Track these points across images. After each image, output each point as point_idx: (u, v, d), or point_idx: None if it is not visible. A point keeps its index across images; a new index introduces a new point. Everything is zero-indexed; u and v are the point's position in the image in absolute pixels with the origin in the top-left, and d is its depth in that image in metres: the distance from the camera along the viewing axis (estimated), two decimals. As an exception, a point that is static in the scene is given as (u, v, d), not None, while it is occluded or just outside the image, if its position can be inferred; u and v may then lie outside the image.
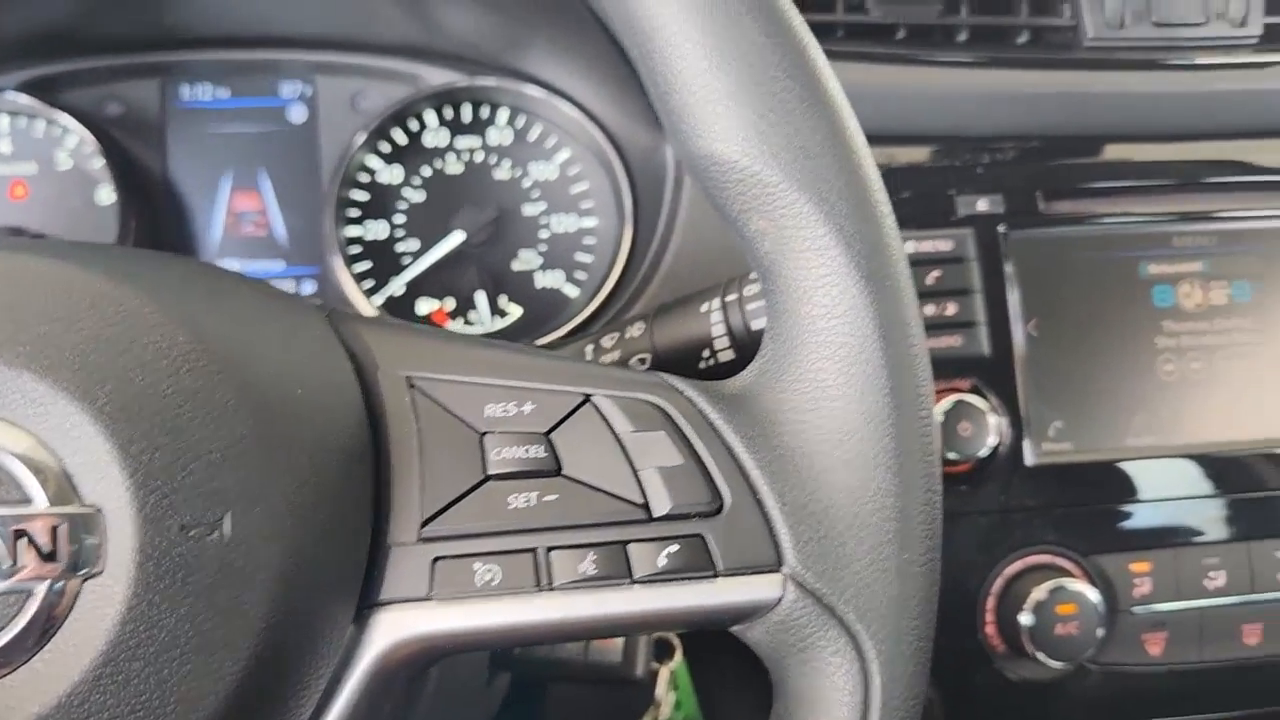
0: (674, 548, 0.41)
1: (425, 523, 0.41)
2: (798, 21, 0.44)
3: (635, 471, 0.42)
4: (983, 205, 0.74)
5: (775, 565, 0.41)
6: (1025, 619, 0.69)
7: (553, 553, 0.41)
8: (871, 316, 0.42)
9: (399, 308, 0.84)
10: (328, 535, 0.39)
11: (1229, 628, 0.74)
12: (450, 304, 0.84)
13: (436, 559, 0.41)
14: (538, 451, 0.42)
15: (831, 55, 0.74)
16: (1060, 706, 0.74)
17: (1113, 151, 0.77)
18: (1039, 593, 0.69)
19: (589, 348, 0.64)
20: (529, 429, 0.43)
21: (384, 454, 0.42)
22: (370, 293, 0.84)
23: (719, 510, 0.42)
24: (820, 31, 0.77)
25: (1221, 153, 0.78)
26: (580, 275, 0.85)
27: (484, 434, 0.43)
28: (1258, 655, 0.74)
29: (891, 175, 0.74)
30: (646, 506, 0.42)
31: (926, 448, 0.42)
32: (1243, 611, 0.74)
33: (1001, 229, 0.74)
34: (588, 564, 0.41)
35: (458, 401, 0.43)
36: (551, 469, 0.42)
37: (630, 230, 0.82)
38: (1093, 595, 0.70)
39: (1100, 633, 0.70)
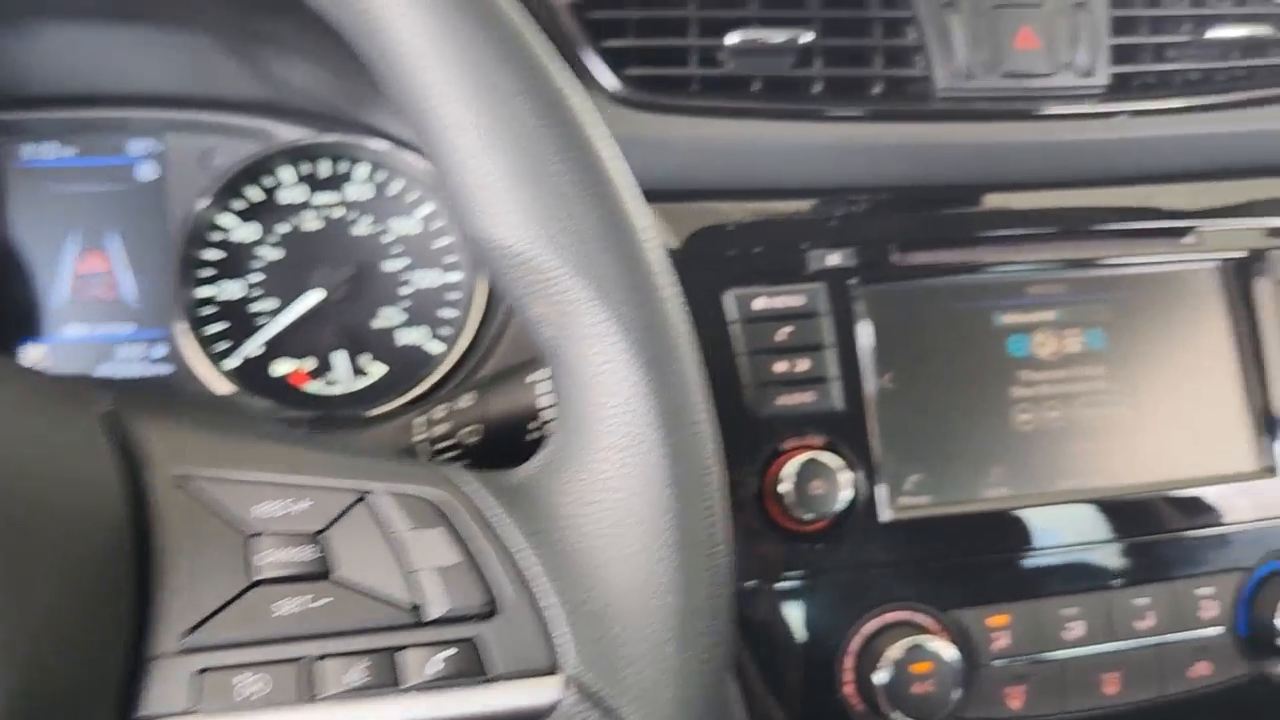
0: (448, 652, 0.40)
1: (188, 632, 0.39)
2: (575, 101, 0.43)
3: (411, 572, 0.41)
4: (834, 259, 0.73)
5: (553, 667, 0.40)
6: (880, 678, 0.68)
7: (321, 661, 0.39)
8: (651, 405, 0.41)
9: (256, 368, 0.82)
10: (75, 648, 0.37)
11: (1089, 678, 0.73)
12: (310, 364, 0.82)
13: (202, 670, 0.39)
14: (307, 554, 0.41)
15: (685, 110, 0.75)
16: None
17: (966, 202, 0.77)
18: (894, 651, 0.68)
19: (419, 420, 0.63)
20: (299, 529, 0.41)
21: (148, 559, 0.40)
22: (225, 354, 0.82)
23: (493, 612, 0.40)
24: (674, 85, 0.77)
25: (1072, 201, 0.78)
26: (445, 331, 0.84)
27: (252, 535, 0.41)
28: (1118, 704, 0.74)
29: (743, 230, 0.74)
30: (418, 609, 0.40)
31: (711, 540, 0.41)
32: (1103, 661, 0.73)
33: (853, 282, 0.73)
34: (357, 673, 0.39)
35: (229, 500, 0.42)
36: (320, 572, 0.40)
37: (485, 284, 0.80)
38: (949, 652, 0.69)
39: (957, 690, 0.69)
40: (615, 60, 0.73)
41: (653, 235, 0.44)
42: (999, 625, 0.72)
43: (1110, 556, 0.75)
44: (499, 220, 0.41)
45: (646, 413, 0.41)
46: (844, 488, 0.69)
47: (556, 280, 0.41)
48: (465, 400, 0.62)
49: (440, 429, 0.61)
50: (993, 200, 0.77)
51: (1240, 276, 0.79)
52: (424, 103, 0.42)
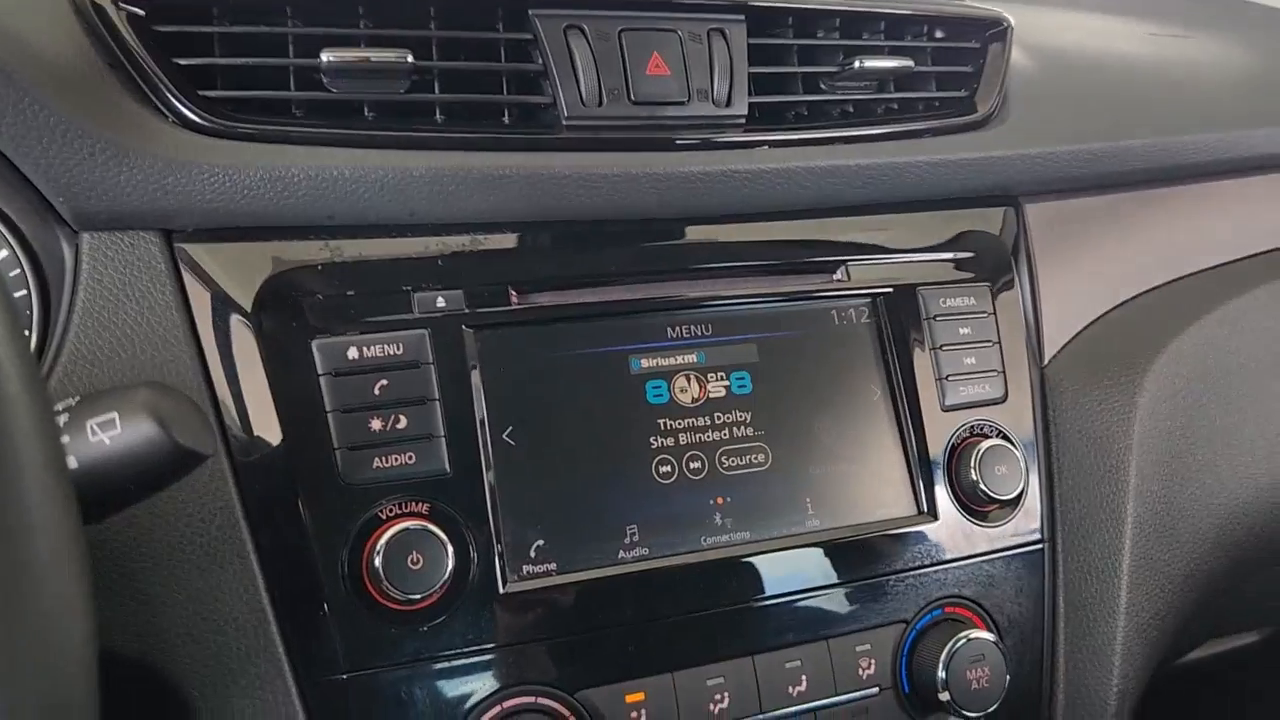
0: None
1: None
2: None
3: None
4: (442, 302, 0.66)
5: None
6: (496, 772, 0.60)
7: None
8: None
9: None
10: None
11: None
12: None
13: None
14: None
15: (271, 137, 0.65)
16: None
17: (595, 239, 0.71)
18: (512, 737, 0.60)
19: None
20: None
21: None
22: None
23: None
24: (275, 108, 0.68)
25: (714, 236, 0.74)
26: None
27: None
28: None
29: (335, 270, 0.65)
30: None
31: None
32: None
33: (466, 328, 0.66)
34: None
35: None
36: None
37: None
38: (570, 734, 0.61)
39: (581, 783, 0.61)
40: (197, 80, 0.64)
41: None
42: (636, 702, 0.65)
43: (758, 617, 0.69)
44: None
45: None
46: (449, 560, 0.61)
47: None
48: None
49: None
50: (627, 236, 0.72)
51: (890, 312, 0.76)
52: None
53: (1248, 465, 0.85)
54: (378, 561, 0.60)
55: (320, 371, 0.63)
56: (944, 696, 0.70)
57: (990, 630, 0.73)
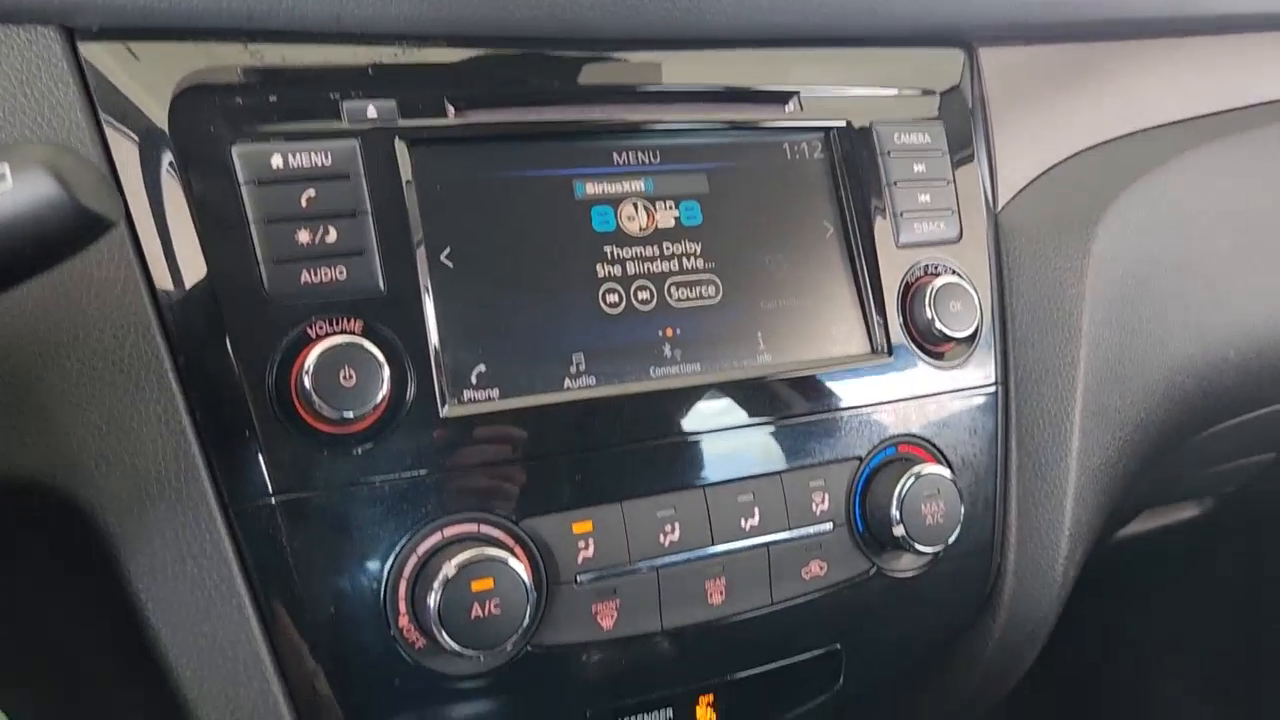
0: None
1: None
2: None
3: None
4: (373, 112, 0.61)
5: None
6: (431, 602, 0.57)
7: None
8: None
9: None
10: None
11: (690, 587, 0.65)
12: None
13: None
14: None
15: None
16: (506, 703, 0.63)
17: (538, 55, 0.67)
18: (447, 569, 0.57)
19: None
20: None
21: None
22: None
23: None
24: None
25: (665, 61, 0.70)
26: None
27: None
28: (725, 614, 0.66)
29: (258, 75, 0.60)
30: None
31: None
32: (705, 567, 0.65)
33: (400, 140, 0.62)
34: None
35: None
36: None
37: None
38: (515, 565, 0.58)
39: (529, 611, 0.59)
40: None
41: None
42: (583, 532, 0.63)
43: (709, 449, 0.66)
44: None
45: None
46: (384, 382, 0.57)
47: None
48: None
49: None
50: (573, 55, 0.68)
51: (844, 147, 0.74)
52: None
53: (1196, 319, 0.85)
54: (307, 381, 0.56)
55: (242, 180, 0.58)
56: (898, 531, 0.69)
57: (944, 467, 0.72)
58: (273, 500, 0.57)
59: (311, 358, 0.57)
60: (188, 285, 0.58)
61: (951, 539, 0.71)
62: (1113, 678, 1.49)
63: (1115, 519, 1.01)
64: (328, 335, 0.58)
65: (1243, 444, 1.08)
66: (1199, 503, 1.22)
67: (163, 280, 0.58)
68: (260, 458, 0.57)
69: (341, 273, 0.59)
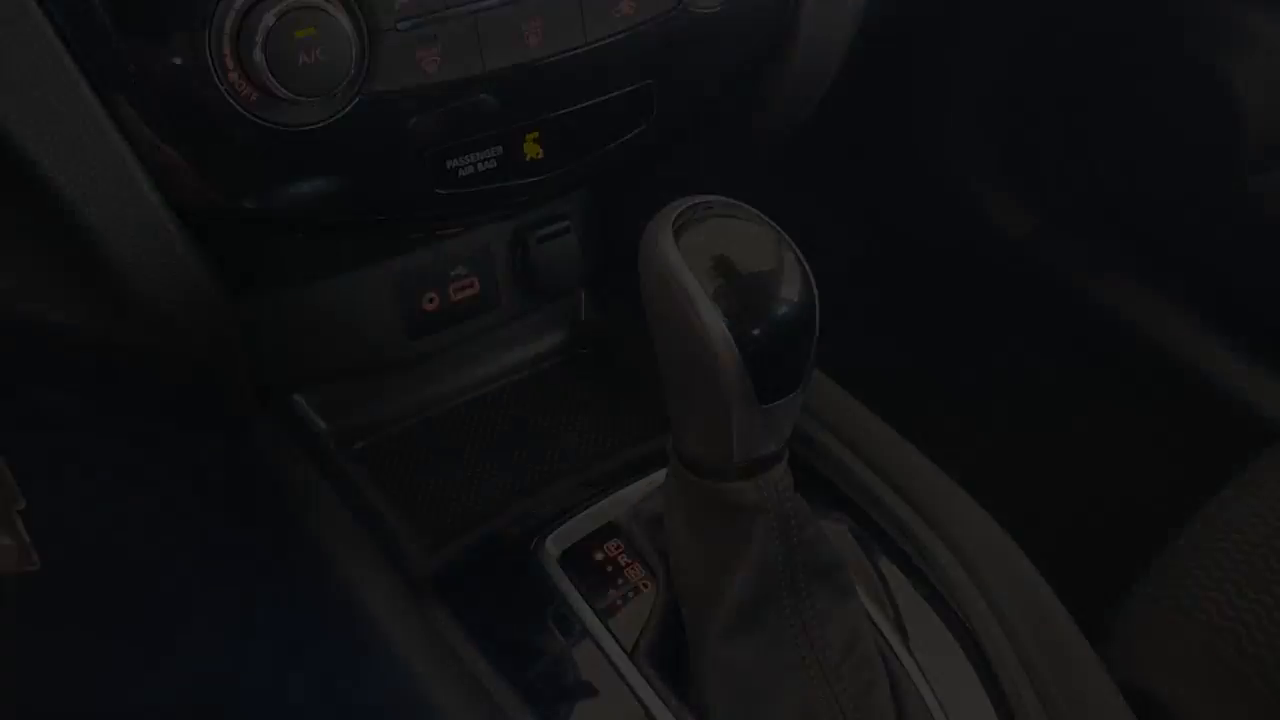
0: None
1: None
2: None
3: None
4: None
5: None
6: (256, 56, 0.60)
7: None
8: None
9: None
10: None
11: (507, 30, 0.69)
12: None
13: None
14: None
15: None
16: (346, 150, 0.68)
17: None
18: (267, 19, 0.59)
19: None
20: None
21: None
22: None
23: None
24: None
25: None
26: None
27: None
28: (544, 54, 0.71)
29: None
30: None
31: None
32: (520, 10, 0.69)
33: None
34: None
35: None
36: None
37: None
38: (335, 12, 0.61)
39: (353, 55, 0.62)
40: None
41: None
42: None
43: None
44: None
45: None
46: None
47: None
48: None
49: None
50: None
51: None
52: None
53: None
54: None
55: None
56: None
57: None
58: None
59: None
60: None
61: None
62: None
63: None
64: None
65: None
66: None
67: None
68: None
69: None
